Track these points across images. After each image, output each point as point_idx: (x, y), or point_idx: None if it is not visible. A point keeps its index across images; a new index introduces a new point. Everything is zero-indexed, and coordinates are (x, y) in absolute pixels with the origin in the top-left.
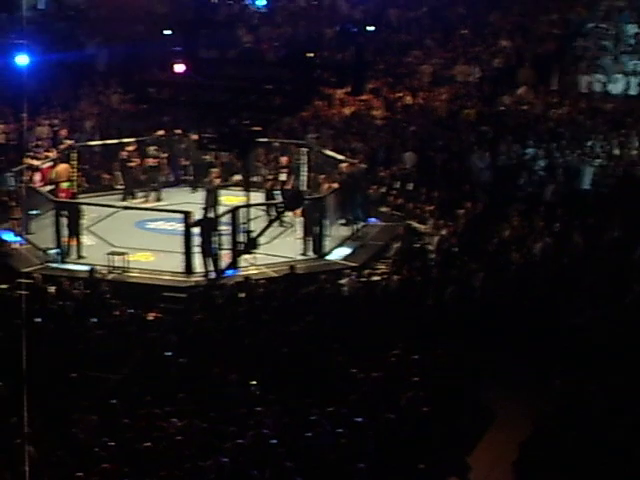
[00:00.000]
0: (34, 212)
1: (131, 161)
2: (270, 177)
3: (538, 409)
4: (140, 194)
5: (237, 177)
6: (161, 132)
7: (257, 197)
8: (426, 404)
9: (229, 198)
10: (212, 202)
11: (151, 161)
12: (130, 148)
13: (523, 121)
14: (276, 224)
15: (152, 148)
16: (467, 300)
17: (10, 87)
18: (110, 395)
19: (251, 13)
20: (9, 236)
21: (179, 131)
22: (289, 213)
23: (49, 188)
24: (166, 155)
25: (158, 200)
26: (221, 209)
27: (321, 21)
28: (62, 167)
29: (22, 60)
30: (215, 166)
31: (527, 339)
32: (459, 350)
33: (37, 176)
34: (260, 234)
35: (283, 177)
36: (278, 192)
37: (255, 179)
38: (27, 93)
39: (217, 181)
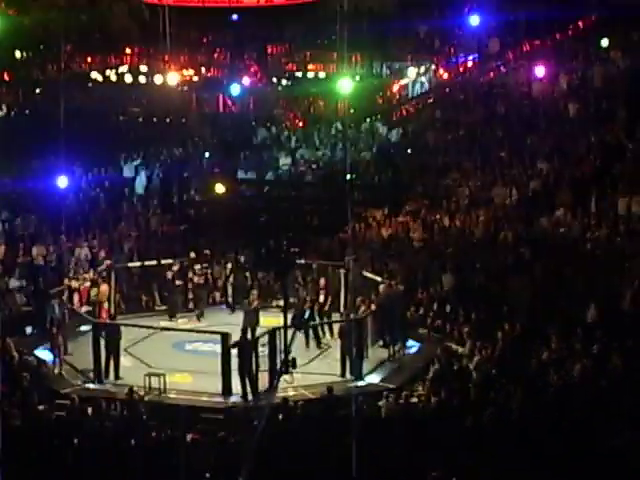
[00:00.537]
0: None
1: (177, 281)
2: (309, 299)
3: None
4: (179, 315)
5: (277, 301)
6: (195, 254)
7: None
8: None
9: (268, 320)
10: (251, 323)
11: (196, 279)
12: (175, 268)
13: (561, 243)
14: (315, 345)
15: (198, 267)
16: (505, 422)
17: (50, 209)
18: None
19: (288, 136)
20: (48, 357)
21: (210, 252)
22: (328, 335)
23: (88, 309)
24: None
25: (198, 321)
26: (259, 331)
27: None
28: (104, 287)
29: (62, 182)
30: (254, 288)
31: (565, 461)
32: (497, 473)
33: (76, 297)
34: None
35: (321, 298)
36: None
37: (293, 300)
38: (66, 215)
39: (256, 303)
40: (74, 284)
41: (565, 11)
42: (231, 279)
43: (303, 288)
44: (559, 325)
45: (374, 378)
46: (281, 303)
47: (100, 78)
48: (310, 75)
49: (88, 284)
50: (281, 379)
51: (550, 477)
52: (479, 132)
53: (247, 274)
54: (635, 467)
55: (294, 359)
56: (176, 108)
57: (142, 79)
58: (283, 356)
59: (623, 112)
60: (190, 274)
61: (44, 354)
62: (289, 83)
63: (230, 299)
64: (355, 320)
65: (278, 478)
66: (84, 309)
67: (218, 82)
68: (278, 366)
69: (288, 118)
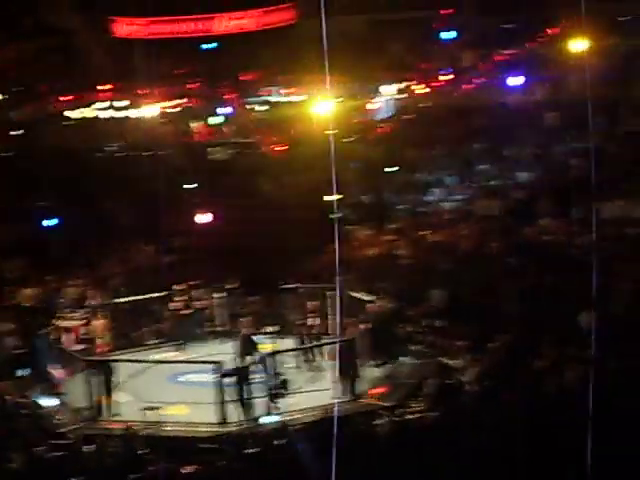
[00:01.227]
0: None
1: (182, 310)
2: (299, 322)
3: None
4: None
5: (269, 328)
6: (183, 285)
7: (286, 343)
8: None
9: (261, 345)
10: (245, 350)
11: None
12: (178, 299)
13: (547, 251)
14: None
15: (183, 297)
16: (505, 433)
17: (36, 251)
18: None
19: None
20: (44, 400)
21: (197, 282)
22: (319, 357)
23: (83, 347)
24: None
25: (185, 352)
26: (252, 357)
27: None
28: (97, 323)
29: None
30: (244, 315)
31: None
32: None
33: (66, 336)
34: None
35: (311, 322)
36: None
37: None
38: (53, 254)
39: (248, 329)
40: (64, 323)
41: (535, 19)
42: (219, 307)
43: (293, 312)
44: (552, 333)
45: (368, 397)
46: (272, 328)
47: (76, 116)
48: (285, 99)
49: (79, 322)
50: (276, 403)
51: None
52: (458, 146)
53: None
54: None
55: (285, 380)
56: (154, 141)
57: (118, 114)
58: (275, 380)
59: (600, 118)
60: (176, 304)
61: (40, 398)
62: (266, 108)
63: (220, 328)
64: (346, 341)
65: None
66: (77, 347)
67: (194, 113)
68: (271, 390)
69: (267, 143)
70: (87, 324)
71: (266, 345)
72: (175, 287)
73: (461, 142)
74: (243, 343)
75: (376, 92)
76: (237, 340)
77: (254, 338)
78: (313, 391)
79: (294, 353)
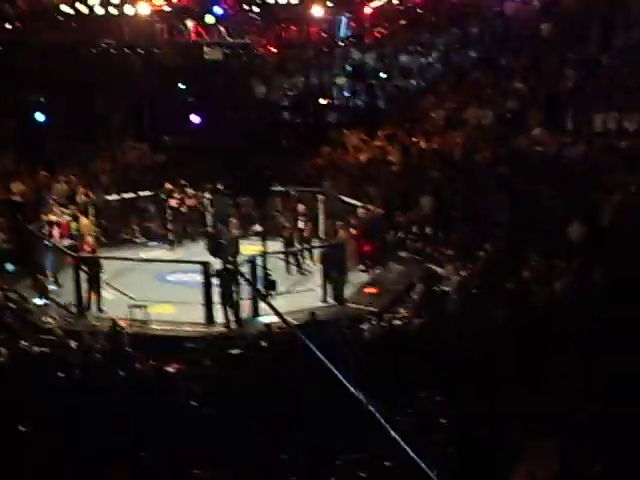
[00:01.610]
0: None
1: (180, 208)
2: (288, 225)
3: (565, 445)
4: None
5: (257, 227)
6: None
7: (276, 246)
8: (452, 445)
9: (248, 248)
10: (232, 252)
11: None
12: (177, 196)
13: (538, 162)
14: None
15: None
16: (488, 341)
17: (26, 146)
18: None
19: (262, 63)
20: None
21: (185, 182)
22: (308, 260)
23: (70, 243)
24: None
25: (174, 251)
26: (240, 258)
27: (333, 69)
28: (84, 221)
29: (39, 118)
30: (232, 216)
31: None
32: (482, 391)
33: (56, 231)
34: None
35: (301, 225)
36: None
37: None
38: (43, 151)
39: (236, 231)
40: (54, 218)
41: None
42: (210, 208)
43: (282, 215)
44: (540, 244)
45: (356, 302)
46: (260, 229)
47: (71, 11)
48: (282, 1)
49: (68, 218)
50: (262, 304)
51: (536, 391)
52: (452, 54)
53: (227, 202)
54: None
55: (273, 281)
56: (148, 38)
57: (113, 10)
58: (263, 282)
59: (597, 29)
60: (168, 203)
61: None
62: (261, 10)
63: (210, 229)
64: (335, 245)
65: (265, 404)
66: (65, 242)
67: (190, 11)
68: (258, 292)
69: (261, 45)
70: (77, 220)
71: (255, 247)
72: (167, 186)
73: (456, 49)
74: (232, 245)
75: None
76: (227, 241)
77: (235, 237)
78: (300, 292)
79: (283, 256)
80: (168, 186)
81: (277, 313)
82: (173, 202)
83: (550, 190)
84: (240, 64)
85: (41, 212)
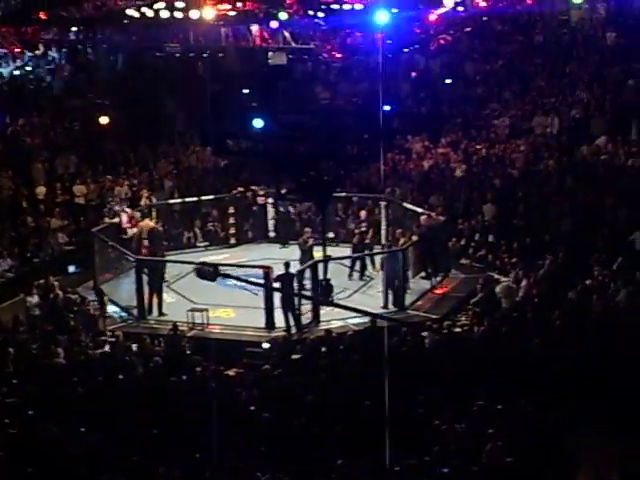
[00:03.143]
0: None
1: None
2: (357, 231)
3: (625, 454)
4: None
5: (329, 235)
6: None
7: (340, 252)
8: (509, 455)
9: (314, 253)
10: (307, 260)
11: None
12: (262, 193)
13: (602, 171)
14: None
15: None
16: (551, 349)
17: (90, 149)
18: (195, 450)
19: (327, 69)
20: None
21: (255, 187)
22: (370, 267)
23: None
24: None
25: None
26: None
27: (398, 76)
28: (146, 222)
29: (103, 121)
30: (296, 222)
31: (612, 386)
32: (543, 399)
33: (125, 217)
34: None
35: (362, 230)
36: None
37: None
38: (107, 153)
39: (311, 241)
40: (125, 219)
41: None
42: (273, 213)
43: (345, 221)
44: (602, 253)
45: (417, 309)
46: (332, 236)
47: (136, 14)
48: (347, 7)
49: (128, 220)
50: (322, 309)
51: (597, 401)
52: (518, 62)
53: (289, 207)
54: None
55: (330, 284)
56: (213, 43)
57: (178, 14)
58: (324, 288)
59: None
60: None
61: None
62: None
63: (273, 233)
64: (397, 251)
65: (321, 409)
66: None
67: (254, 16)
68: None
69: (326, 50)
70: (137, 224)
71: (317, 252)
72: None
73: (521, 57)
74: (307, 254)
75: (438, 3)
76: (302, 252)
77: (310, 245)
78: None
79: (345, 262)
80: (236, 190)
81: (351, 309)
82: (234, 206)
83: (614, 200)
84: (304, 69)
85: (104, 215)
